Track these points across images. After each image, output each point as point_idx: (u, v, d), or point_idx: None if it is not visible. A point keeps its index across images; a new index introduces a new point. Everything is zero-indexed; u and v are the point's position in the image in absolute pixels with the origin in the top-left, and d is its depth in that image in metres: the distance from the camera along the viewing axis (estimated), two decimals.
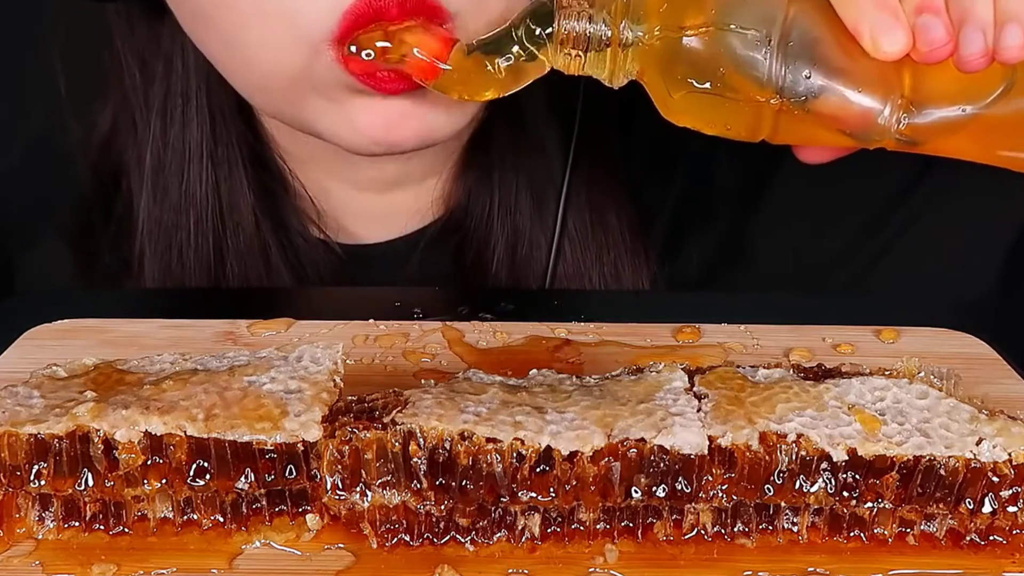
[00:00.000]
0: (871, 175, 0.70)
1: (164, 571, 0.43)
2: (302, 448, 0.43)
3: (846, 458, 0.43)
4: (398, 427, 0.42)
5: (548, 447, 0.42)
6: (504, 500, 0.43)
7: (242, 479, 0.43)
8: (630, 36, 0.50)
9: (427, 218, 0.74)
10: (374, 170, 0.71)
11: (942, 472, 0.43)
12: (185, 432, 0.42)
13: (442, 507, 0.43)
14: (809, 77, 0.48)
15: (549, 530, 0.44)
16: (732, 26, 0.48)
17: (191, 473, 0.43)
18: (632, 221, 0.74)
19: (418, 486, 0.43)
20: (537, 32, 0.51)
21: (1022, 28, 0.45)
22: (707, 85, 0.49)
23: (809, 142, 0.53)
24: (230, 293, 0.70)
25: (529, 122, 0.72)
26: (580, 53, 0.51)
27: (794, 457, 0.43)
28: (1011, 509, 0.43)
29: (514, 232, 0.72)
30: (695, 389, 0.46)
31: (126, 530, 0.44)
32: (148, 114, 0.70)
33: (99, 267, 0.74)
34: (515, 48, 0.51)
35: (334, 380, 0.46)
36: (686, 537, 0.44)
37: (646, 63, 0.50)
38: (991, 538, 0.44)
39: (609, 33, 0.50)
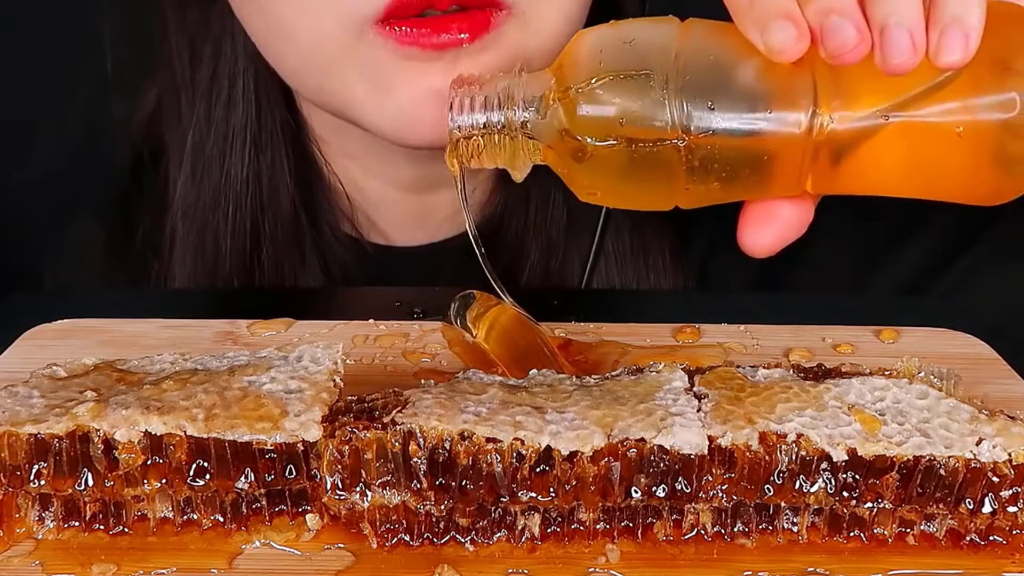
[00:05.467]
0: (923, 223, 0.68)
1: (164, 571, 0.43)
2: (302, 448, 0.43)
3: (846, 458, 0.43)
4: (398, 427, 0.42)
5: (548, 447, 0.42)
6: (504, 500, 0.43)
7: (242, 479, 0.43)
8: (527, 116, 0.49)
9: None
10: (409, 168, 0.71)
11: (942, 472, 0.43)
12: (185, 432, 0.42)
13: (442, 507, 0.43)
14: (713, 107, 0.45)
15: (549, 530, 0.44)
16: (622, 71, 0.46)
17: (191, 473, 0.43)
18: (673, 243, 0.74)
19: (418, 486, 0.42)
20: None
21: (963, 31, 0.42)
22: (610, 141, 0.46)
23: (726, 194, 0.48)
24: (230, 293, 0.70)
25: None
26: (477, 145, 0.50)
27: (794, 457, 0.43)
28: (1011, 509, 0.43)
29: (548, 246, 0.72)
30: (695, 389, 0.46)
31: (126, 530, 0.44)
32: (194, 95, 0.70)
33: (130, 248, 0.74)
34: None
35: (334, 380, 0.46)
36: (686, 537, 0.44)
37: (550, 140, 0.48)
38: (991, 538, 0.44)
39: (502, 118, 0.49)
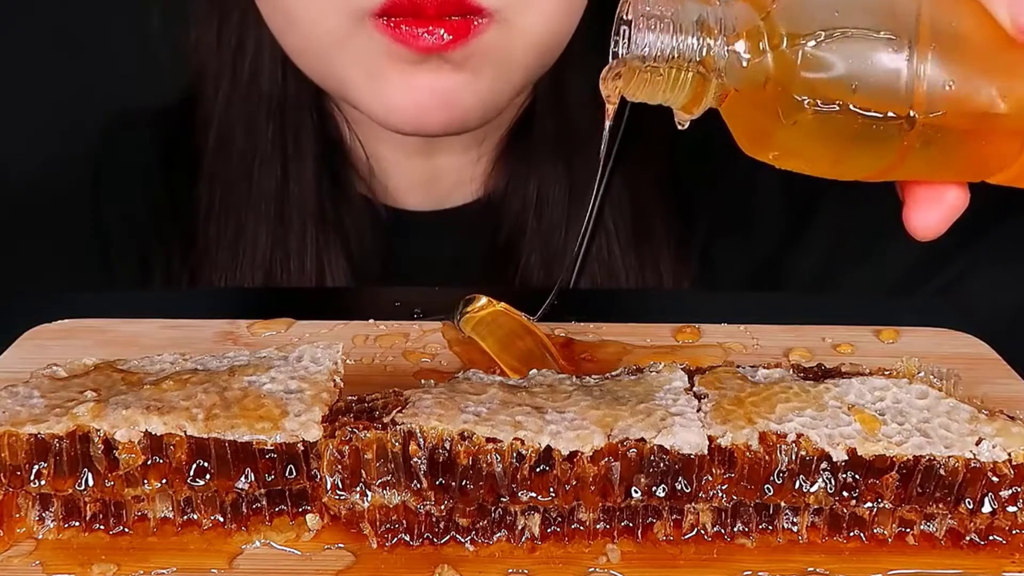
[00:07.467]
0: None
1: (164, 571, 0.43)
2: (302, 448, 0.43)
3: (846, 458, 0.43)
4: (398, 427, 0.42)
5: (548, 447, 0.42)
6: (504, 500, 0.43)
7: (242, 479, 0.43)
8: (725, 54, 0.42)
9: (467, 196, 0.76)
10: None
11: (942, 472, 0.43)
12: (185, 432, 0.42)
13: (442, 507, 0.43)
14: (953, 84, 0.41)
15: (549, 530, 0.44)
16: (861, 29, 0.40)
17: (191, 473, 0.43)
18: (673, 218, 0.74)
19: (418, 486, 0.43)
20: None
21: None
22: (832, 106, 0.41)
23: (926, 174, 0.44)
24: (231, 293, 0.70)
25: (573, 114, 0.72)
26: (657, 74, 0.42)
27: (794, 457, 0.43)
28: (1011, 509, 0.43)
29: (548, 223, 0.73)
30: (695, 389, 0.46)
31: (126, 530, 0.44)
32: (221, 61, 0.73)
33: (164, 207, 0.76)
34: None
35: (334, 380, 0.46)
36: (686, 537, 0.44)
37: (745, 86, 0.42)
38: (991, 538, 0.44)
39: (700, 50, 0.42)
